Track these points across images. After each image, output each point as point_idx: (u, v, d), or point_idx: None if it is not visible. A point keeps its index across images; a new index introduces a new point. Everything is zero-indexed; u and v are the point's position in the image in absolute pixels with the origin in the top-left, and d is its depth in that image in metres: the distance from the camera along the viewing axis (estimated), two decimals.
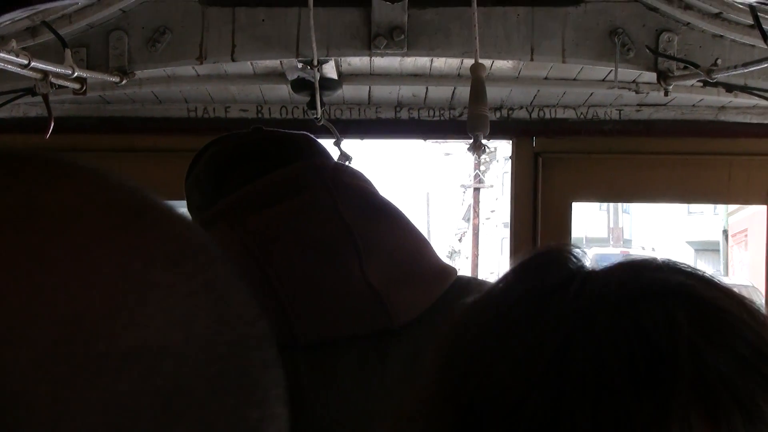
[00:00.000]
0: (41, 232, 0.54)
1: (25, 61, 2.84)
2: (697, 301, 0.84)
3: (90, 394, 0.50)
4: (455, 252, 41.99)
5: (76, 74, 3.22)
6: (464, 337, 0.94)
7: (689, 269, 0.89)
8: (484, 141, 2.96)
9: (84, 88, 3.50)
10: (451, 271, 1.81)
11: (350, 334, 1.64)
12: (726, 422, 0.76)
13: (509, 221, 4.72)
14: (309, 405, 1.58)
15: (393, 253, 1.72)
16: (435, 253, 1.84)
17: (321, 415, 1.58)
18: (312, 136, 2.00)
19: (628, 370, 0.78)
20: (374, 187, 1.84)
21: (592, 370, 0.79)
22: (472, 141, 2.94)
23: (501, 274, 0.99)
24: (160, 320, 0.54)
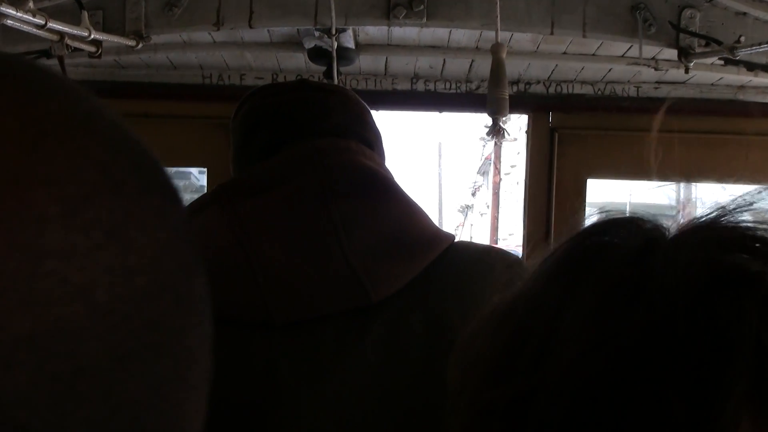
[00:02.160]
0: None
1: (42, 22, 2.82)
2: None
3: None
4: (468, 207, 41.51)
5: (92, 37, 3.21)
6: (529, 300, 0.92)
7: None
8: (502, 125, 2.94)
9: (99, 51, 3.48)
10: (443, 238, 1.80)
11: (326, 313, 1.65)
12: None
13: (523, 195, 4.70)
14: (285, 385, 1.59)
15: (377, 228, 1.72)
16: (428, 221, 1.83)
17: (297, 394, 1.59)
18: (349, 94, 1.98)
19: (693, 359, 0.77)
20: (374, 161, 1.84)
21: (656, 356, 0.78)
22: (491, 124, 2.92)
23: (568, 236, 0.96)
24: (55, 295, 0.47)
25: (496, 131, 2.89)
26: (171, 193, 0.58)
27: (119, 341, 0.50)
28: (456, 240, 1.83)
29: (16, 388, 0.45)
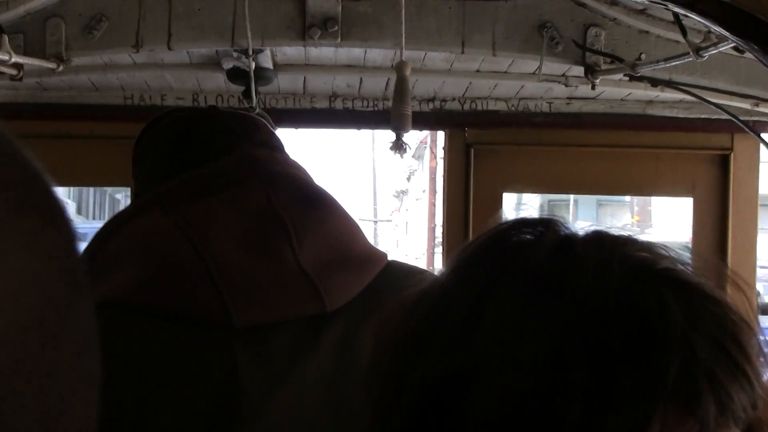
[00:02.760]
0: None
1: None
2: (685, 287, 0.87)
3: None
4: (403, 192, 40.75)
5: (12, 60, 3.24)
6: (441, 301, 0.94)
7: (666, 250, 0.92)
8: (405, 140, 3.01)
9: (21, 74, 3.52)
10: (381, 256, 1.85)
11: (285, 318, 1.67)
12: (702, 412, 0.80)
13: (442, 209, 4.78)
14: (243, 386, 1.60)
15: (325, 239, 1.75)
16: (366, 239, 1.87)
17: (255, 395, 1.60)
18: (261, 119, 2.02)
19: (623, 354, 0.81)
20: (308, 175, 1.87)
21: (591, 350, 0.81)
22: (394, 139, 2.99)
23: (472, 239, 1.00)
24: None
25: (398, 146, 2.97)
26: (51, 213, 0.52)
27: None
28: (390, 259, 1.88)
29: None
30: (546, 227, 0.95)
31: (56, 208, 0.52)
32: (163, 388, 1.54)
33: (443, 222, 4.77)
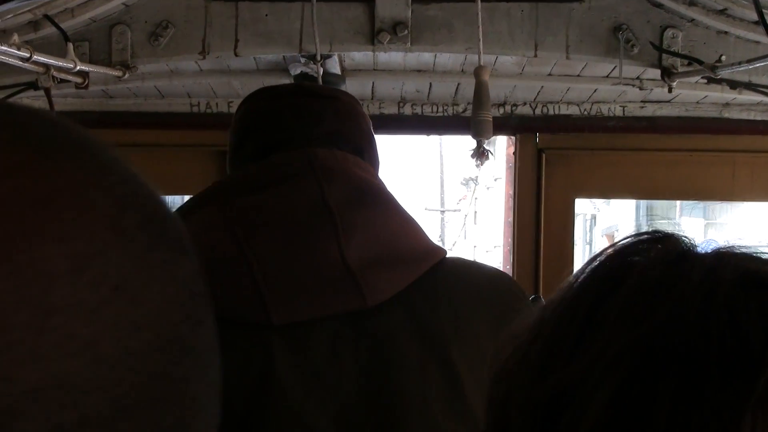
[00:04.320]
0: None
1: (27, 55, 2.83)
2: None
3: None
4: (472, 180, 40.36)
5: (78, 68, 3.22)
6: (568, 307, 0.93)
7: None
8: (486, 146, 2.96)
9: (86, 82, 3.51)
10: (436, 252, 1.84)
11: (324, 314, 1.68)
12: None
13: (511, 217, 4.71)
14: (281, 383, 1.62)
15: (374, 235, 1.75)
16: (422, 235, 1.86)
17: (293, 393, 1.62)
18: (343, 99, 2.00)
19: (717, 358, 0.79)
20: (367, 172, 1.87)
21: (681, 357, 0.80)
22: (475, 146, 2.94)
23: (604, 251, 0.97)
24: (62, 349, 0.47)
25: (480, 153, 2.91)
26: (180, 245, 0.59)
27: (124, 393, 0.50)
28: (448, 254, 1.87)
29: None
30: (663, 243, 0.92)
31: (186, 239, 0.60)
32: None
33: (513, 228, 4.70)
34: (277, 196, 1.74)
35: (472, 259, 2.04)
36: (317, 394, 1.64)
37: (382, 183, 1.89)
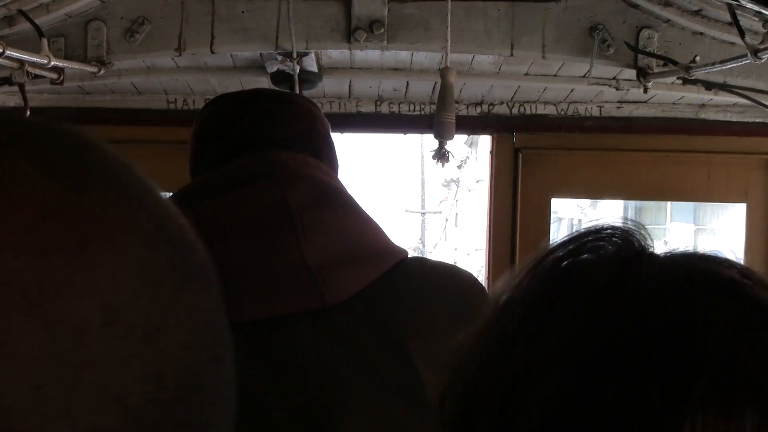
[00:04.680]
0: None
1: (0, 50, 2.82)
2: (743, 298, 0.84)
3: None
4: (453, 181, 39.98)
5: (52, 64, 3.21)
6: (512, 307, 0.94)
7: (746, 268, 0.89)
8: (448, 148, 2.96)
9: (61, 78, 3.49)
10: (396, 252, 1.87)
11: (284, 313, 1.70)
12: (738, 418, 0.77)
13: (487, 216, 4.72)
14: (241, 379, 1.64)
15: (335, 236, 1.78)
16: (382, 236, 1.89)
17: (254, 388, 1.64)
18: (300, 102, 2.04)
19: (658, 354, 0.79)
20: (329, 176, 1.90)
21: (624, 356, 0.81)
22: (437, 147, 2.94)
23: (553, 243, 0.97)
24: (91, 404, 0.47)
25: (441, 154, 2.92)
26: (205, 279, 0.59)
27: None
28: (410, 255, 1.89)
29: None
30: (618, 241, 0.93)
31: (208, 269, 0.60)
32: None
33: (489, 226, 4.70)
34: (239, 199, 1.77)
35: (433, 258, 2.07)
36: (278, 388, 1.66)
37: (342, 185, 1.91)
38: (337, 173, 1.98)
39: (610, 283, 0.86)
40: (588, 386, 0.80)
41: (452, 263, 2.11)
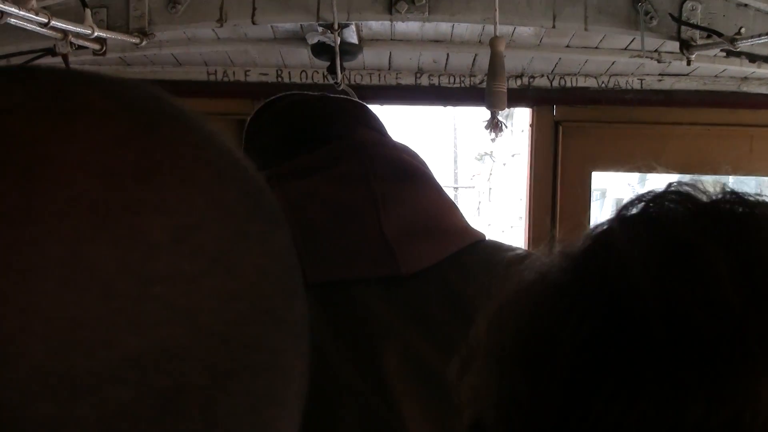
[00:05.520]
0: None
1: (45, 20, 2.83)
2: None
3: (87, 410, 0.46)
4: (487, 154, 39.48)
5: (96, 35, 3.22)
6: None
7: None
8: (500, 118, 2.96)
9: (104, 48, 3.50)
10: (472, 233, 1.91)
11: (358, 276, 1.76)
12: None
13: (527, 190, 4.71)
14: (311, 339, 1.69)
15: (412, 210, 1.84)
16: (459, 215, 1.94)
17: (323, 349, 1.69)
18: (368, 107, 2.11)
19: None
20: (410, 155, 1.96)
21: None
22: (489, 117, 2.94)
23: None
24: (161, 317, 0.49)
25: (494, 124, 2.91)
26: (274, 218, 0.60)
27: (219, 361, 0.52)
28: (487, 238, 1.95)
29: (121, 402, 0.47)
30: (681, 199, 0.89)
31: (278, 211, 0.62)
32: None
33: (528, 201, 4.69)
34: (325, 179, 1.83)
35: (509, 243, 2.10)
36: (346, 350, 1.71)
37: (425, 166, 1.97)
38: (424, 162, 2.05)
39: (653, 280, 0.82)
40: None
41: (526, 250, 2.15)
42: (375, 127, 2.02)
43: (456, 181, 41.28)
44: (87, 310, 0.46)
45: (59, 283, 0.46)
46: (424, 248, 1.80)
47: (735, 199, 0.88)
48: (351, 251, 1.77)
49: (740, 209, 0.87)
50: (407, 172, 1.89)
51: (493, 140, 3.03)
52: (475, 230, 1.93)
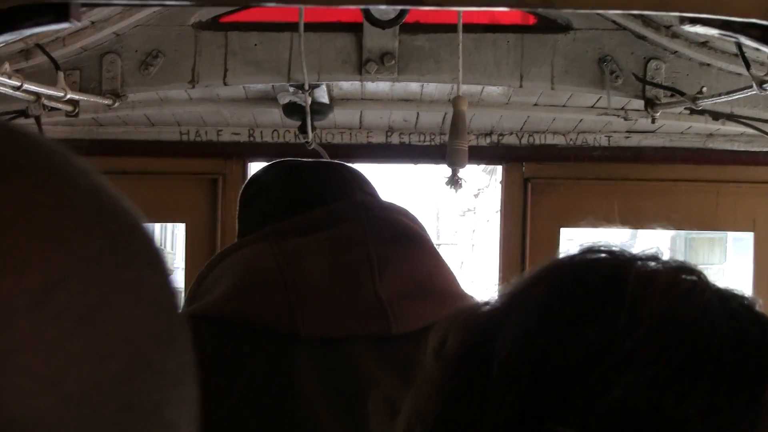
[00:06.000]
0: None
1: (18, 83, 2.86)
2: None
3: None
4: (470, 210, 39.00)
5: (68, 96, 3.25)
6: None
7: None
8: (461, 175, 3.00)
9: (77, 110, 3.53)
10: (467, 298, 1.92)
11: (351, 334, 1.78)
12: None
13: (498, 246, 4.73)
14: (304, 392, 1.73)
15: (407, 273, 1.87)
16: (453, 279, 1.97)
17: (315, 403, 1.72)
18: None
19: (743, 363, 0.83)
20: (408, 217, 2.00)
21: (713, 360, 0.83)
22: (450, 175, 2.98)
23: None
24: (25, 389, 0.44)
25: (454, 181, 2.95)
26: (149, 260, 0.56)
27: (93, 429, 0.48)
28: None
29: None
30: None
31: (155, 253, 0.56)
32: (232, 379, 1.73)
33: (500, 257, 4.72)
34: (324, 238, 1.87)
35: None
36: (334, 404, 1.74)
37: (422, 229, 2.01)
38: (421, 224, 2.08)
39: (682, 295, 0.88)
40: (674, 382, 0.82)
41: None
42: (368, 191, 2.05)
43: (438, 237, 41.05)
44: None
45: None
46: (416, 310, 1.82)
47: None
48: (346, 310, 1.79)
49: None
50: (405, 235, 1.92)
51: (456, 193, 3.07)
52: (468, 294, 1.95)
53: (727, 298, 0.89)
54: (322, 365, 1.76)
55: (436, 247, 2.02)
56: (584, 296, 0.89)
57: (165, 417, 0.53)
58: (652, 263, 0.92)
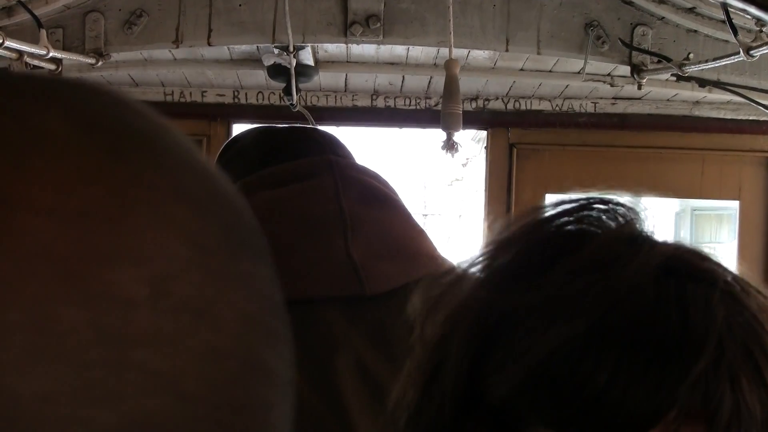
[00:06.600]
0: None
1: None
2: (735, 301, 0.87)
3: None
4: (457, 180, 38.83)
5: (51, 55, 3.23)
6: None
7: (736, 275, 0.91)
8: (456, 139, 2.99)
9: (59, 69, 3.51)
10: (440, 259, 1.89)
11: (322, 295, 1.74)
12: (715, 413, 0.80)
13: (483, 212, 4.74)
14: None
15: (380, 234, 1.83)
16: (428, 242, 1.93)
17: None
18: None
19: (660, 335, 0.82)
20: (379, 181, 1.95)
21: (629, 323, 0.83)
22: (445, 139, 2.96)
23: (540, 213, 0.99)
24: (142, 387, 0.42)
25: (450, 145, 2.94)
26: (259, 252, 0.53)
27: (206, 430, 0.46)
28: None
29: None
30: (626, 218, 0.95)
31: (263, 243, 0.54)
32: None
33: (484, 222, 4.72)
34: (294, 192, 1.82)
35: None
36: (307, 370, 1.70)
37: (395, 192, 1.98)
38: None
39: (615, 259, 0.87)
40: (588, 347, 0.82)
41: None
42: (344, 154, 2.01)
43: (425, 207, 40.89)
44: (57, 382, 0.40)
45: (23, 353, 0.39)
46: (389, 270, 1.79)
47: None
48: (317, 270, 1.76)
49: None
50: (377, 197, 1.89)
51: (452, 158, 3.06)
52: (442, 257, 1.90)
53: (673, 269, 0.88)
54: (295, 329, 1.72)
55: (411, 211, 1.94)
56: (540, 262, 0.90)
57: (271, 420, 0.51)
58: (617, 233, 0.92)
